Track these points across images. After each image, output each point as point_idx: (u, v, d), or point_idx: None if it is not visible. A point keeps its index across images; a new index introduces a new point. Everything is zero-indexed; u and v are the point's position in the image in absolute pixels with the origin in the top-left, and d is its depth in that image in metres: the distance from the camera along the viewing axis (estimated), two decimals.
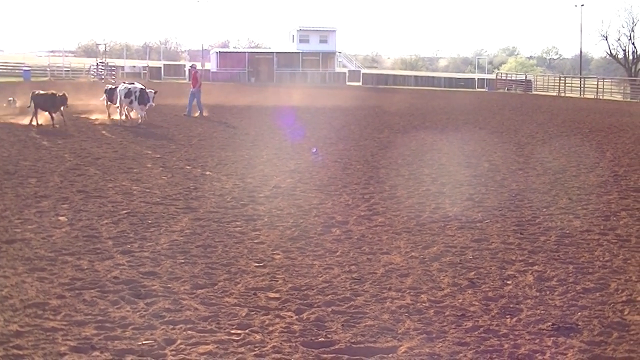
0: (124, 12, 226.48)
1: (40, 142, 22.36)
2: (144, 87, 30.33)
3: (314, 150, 21.94)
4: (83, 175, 16.38)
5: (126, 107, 30.65)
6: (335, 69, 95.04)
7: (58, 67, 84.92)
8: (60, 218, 12.16)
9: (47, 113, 27.80)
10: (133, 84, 31.31)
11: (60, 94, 27.96)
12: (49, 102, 27.70)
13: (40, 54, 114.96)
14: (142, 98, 29.58)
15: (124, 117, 30.66)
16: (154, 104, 30.96)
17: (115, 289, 8.51)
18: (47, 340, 6.91)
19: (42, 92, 28.65)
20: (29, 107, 28.20)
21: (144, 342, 6.96)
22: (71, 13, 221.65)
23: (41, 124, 27.52)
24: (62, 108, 27.84)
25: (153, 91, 31.03)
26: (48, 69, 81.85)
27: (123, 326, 7.35)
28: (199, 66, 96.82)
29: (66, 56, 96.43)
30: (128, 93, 29.78)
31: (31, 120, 27.78)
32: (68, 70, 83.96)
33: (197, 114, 34.26)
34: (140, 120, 29.55)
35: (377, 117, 31.87)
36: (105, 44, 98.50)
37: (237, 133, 27.16)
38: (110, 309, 7.86)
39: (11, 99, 34.84)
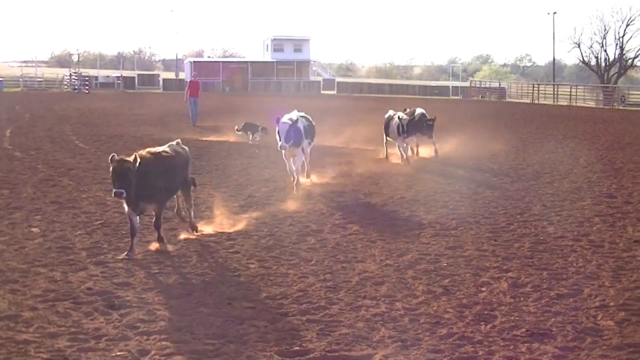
0: (97, 22, 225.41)
1: (13, 153, 22.18)
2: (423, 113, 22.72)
3: None
4: (56, 186, 16.28)
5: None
6: (309, 78, 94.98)
7: (31, 77, 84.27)
8: (33, 229, 12.09)
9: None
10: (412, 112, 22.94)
11: (432, 117, 22.67)
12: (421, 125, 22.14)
13: (12, 64, 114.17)
14: (413, 127, 21.77)
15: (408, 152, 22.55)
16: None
17: (88, 300, 8.46)
18: (19, 353, 6.86)
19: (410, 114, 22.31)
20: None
21: (118, 354, 6.93)
22: (44, 23, 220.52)
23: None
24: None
25: (430, 119, 22.91)
26: (21, 80, 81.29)
27: (97, 337, 7.31)
28: (173, 75, 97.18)
29: (39, 66, 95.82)
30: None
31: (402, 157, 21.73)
32: (41, 81, 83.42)
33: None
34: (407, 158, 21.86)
35: (351, 126, 31.91)
36: (78, 54, 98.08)
37: (211, 143, 27.08)
38: (83, 320, 7.82)
39: (260, 126, 27.16)
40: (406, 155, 21.69)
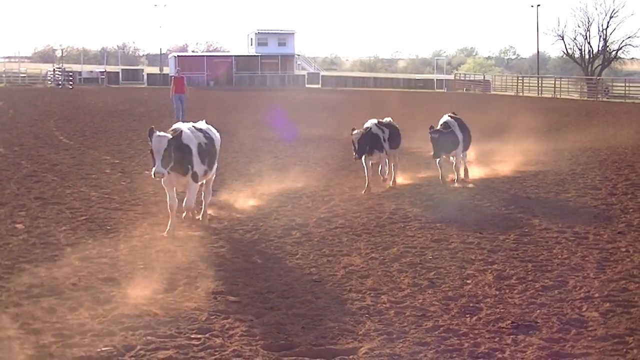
0: (81, 17, 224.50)
1: None
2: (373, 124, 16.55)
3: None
4: (40, 182, 16.20)
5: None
6: (294, 72, 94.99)
7: (14, 73, 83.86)
8: (17, 225, 12.03)
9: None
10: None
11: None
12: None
13: None
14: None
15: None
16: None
17: (73, 296, 8.43)
18: (4, 349, 6.83)
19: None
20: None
21: (103, 349, 6.91)
22: (27, 18, 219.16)
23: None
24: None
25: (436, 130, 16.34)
26: (4, 75, 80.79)
27: (81, 333, 7.28)
28: (157, 70, 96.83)
29: (22, 62, 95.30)
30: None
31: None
32: (24, 77, 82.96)
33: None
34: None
35: (336, 118, 31.92)
36: (62, 49, 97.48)
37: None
38: (68, 316, 7.78)
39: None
40: (383, 178, 16.47)
